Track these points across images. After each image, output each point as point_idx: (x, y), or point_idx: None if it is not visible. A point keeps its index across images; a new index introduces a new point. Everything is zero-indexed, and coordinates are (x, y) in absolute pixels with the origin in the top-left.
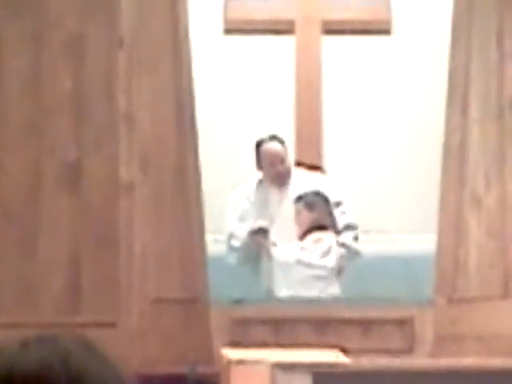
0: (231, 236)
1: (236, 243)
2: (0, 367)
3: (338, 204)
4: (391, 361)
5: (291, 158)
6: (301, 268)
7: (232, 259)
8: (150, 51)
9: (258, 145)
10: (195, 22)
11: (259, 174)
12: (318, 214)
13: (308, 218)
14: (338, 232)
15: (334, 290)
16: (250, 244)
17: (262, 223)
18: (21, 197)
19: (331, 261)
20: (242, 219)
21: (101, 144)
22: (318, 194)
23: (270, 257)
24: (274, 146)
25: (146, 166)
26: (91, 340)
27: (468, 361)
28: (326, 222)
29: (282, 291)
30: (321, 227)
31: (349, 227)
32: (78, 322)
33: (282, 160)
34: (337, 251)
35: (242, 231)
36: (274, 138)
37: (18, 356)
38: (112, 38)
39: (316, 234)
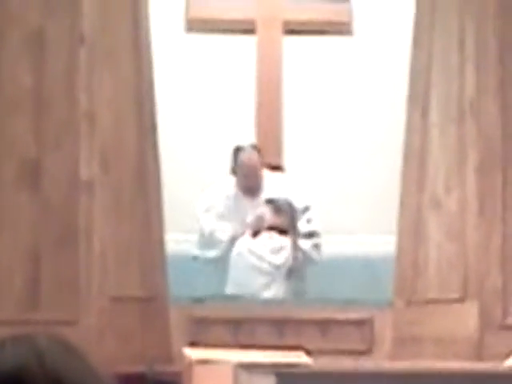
0: (212, 232)
1: (221, 236)
2: None
3: (305, 209)
4: (355, 362)
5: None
6: (250, 257)
7: (212, 253)
8: (111, 48)
9: (237, 151)
10: (156, 20)
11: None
12: (282, 221)
13: (271, 220)
14: (295, 241)
15: (277, 290)
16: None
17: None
18: None
19: (279, 259)
20: (220, 217)
21: (61, 141)
22: (289, 203)
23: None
24: (252, 157)
25: (106, 164)
26: (68, 339)
27: (426, 363)
28: (287, 229)
29: (229, 286)
30: (280, 231)
31: (311, 235)
32: (38, 320)
33: (256, 174)
34: (289, 253)
35: (225, 227)
36: (253, 147)
37: None
38: (73, 34)
39: (272, 233)
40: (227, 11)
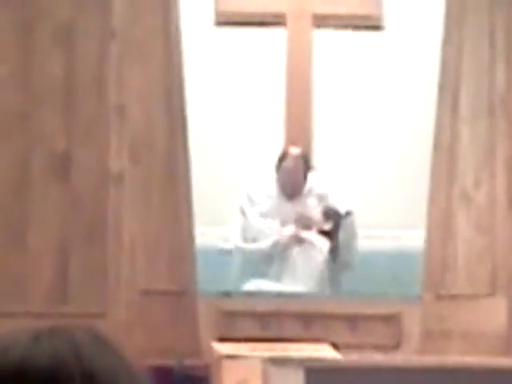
0: (261, 229)
1: (269, 233)
2: (11, 360)
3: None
4: (383, 357)
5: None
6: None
7: (266, 243)
8: (141, 42)
9: (282, 157)
10: (186, 14)
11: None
12: (328, 226)
13: (319, 223)
14: (334, 246)
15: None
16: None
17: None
18: (10, 187)
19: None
20: (264, 216)
21: (91, 134)
22: (337, 212)
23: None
24: (294, 166)
25: (136, 156)
26: (103, 332)
27: (454, 358)
28: (331, 234)
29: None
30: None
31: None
32: (66, 313)
33: (296, 182)
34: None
35: (271, 224)
36: (297, 155)
37: (29, 349)
38: (104, 28)
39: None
40: (257, 4)
